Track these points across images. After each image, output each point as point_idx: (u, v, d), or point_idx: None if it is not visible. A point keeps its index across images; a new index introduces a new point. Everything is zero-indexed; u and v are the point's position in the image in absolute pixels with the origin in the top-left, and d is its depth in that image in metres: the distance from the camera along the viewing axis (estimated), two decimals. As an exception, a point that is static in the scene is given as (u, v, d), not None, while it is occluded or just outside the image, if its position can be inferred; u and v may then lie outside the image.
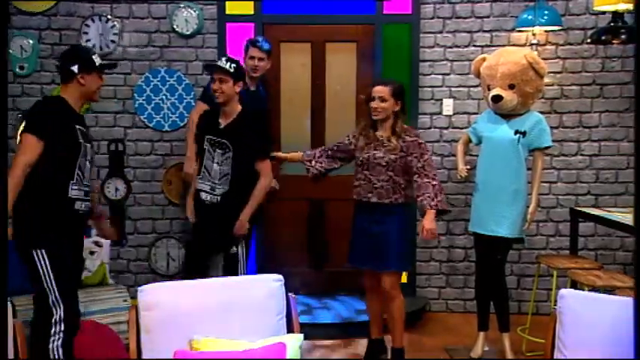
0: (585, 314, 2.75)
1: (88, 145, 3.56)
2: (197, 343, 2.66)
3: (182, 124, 5.42)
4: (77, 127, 3.48)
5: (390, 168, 3.95)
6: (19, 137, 3.85)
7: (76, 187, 3.42)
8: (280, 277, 2.97)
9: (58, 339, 3.35)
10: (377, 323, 4.25)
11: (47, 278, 3.32)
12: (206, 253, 4.26)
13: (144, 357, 2.71)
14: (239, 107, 4.07)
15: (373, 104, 3.96)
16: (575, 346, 2.69)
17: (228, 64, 4.00)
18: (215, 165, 4.02)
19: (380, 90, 3.96)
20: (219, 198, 4.02)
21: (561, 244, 5.23)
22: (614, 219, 4.49)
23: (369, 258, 3.99)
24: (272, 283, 2.93)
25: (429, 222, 3.93)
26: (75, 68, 3.44)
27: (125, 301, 4.64)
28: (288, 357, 2.64)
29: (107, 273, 4.84)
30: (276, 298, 2.90)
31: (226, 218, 4.05)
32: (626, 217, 4.40)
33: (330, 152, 4.28)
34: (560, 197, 5.33)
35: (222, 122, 4.06)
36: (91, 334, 4.02)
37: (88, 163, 3.52)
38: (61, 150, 3.39)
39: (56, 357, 3.32)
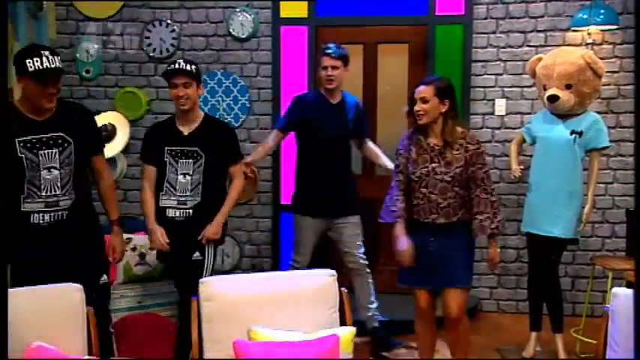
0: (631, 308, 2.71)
1: (48, 151, 3.16)
2: (254, 333, 2.74)
3: (237, 125, 5.51)
4: (21, 139, 3.09)
5: (456, 183, 3.44)
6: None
7: (29, 201, 3.13)
8: (333, 272, 3.01)
9: None
10: (429, 352, 3.79)
11: None
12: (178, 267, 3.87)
13: (205, 345, 2.79)
14: (201, 112, 3.82)
15: (416, 107, 3.47)
16: (628, 345, 2.60)
17: (189, 65, 3.68)
18: (181, 177, 3.68)
19: (421, 90, 3.48)
20: (190, 212, 3.70)
21: (617, 246, 5.15)
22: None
23: (431, 276, 3.52)
24: (326, 277, 2.99)
25: (496, 252, 3.60)
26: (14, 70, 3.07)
27: None
28: (341, 349, 2.70)
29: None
30: (330, 292, 2.96)
31: (202, 231, 3.76)
32: None
33: (403, 191, 3.60)
34: (616, 198, 5.26)
35: (185, 130, 3.72)
36: (152, 326, 4.20)
37: (45, 172, 3.14)
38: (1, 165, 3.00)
39: None
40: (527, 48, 5.24)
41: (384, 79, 5.53)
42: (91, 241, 3.36)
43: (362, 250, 4.44)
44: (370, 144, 4.67)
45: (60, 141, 3.15)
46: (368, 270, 4.45)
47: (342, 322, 2.94)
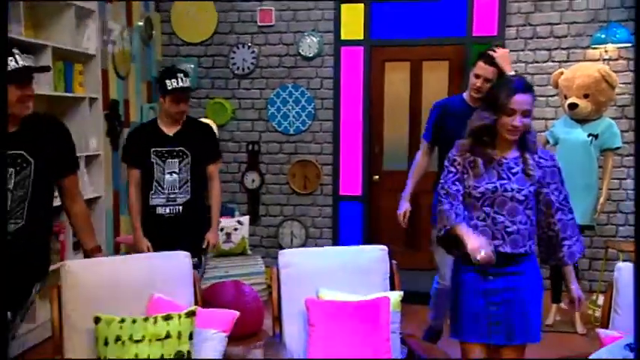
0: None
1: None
2: (323, 294, 2.80)
3: (304, 129, 5.62)
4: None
5: (529, 205, 2.44)
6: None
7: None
8: (385, 247, 3.01)
9: None
10: None
11: None
12: None
13: (282, 302, 2.83)
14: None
15: (513, 122, 2.36)
16: (628, 308, 2.55)
17: (188, 80, 3.36)
18: (168, 175, 3.35)
19: (528, 101, 2.39)
20: (180, 208, 3.37)
21: (630, 233, 5.11)
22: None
23: (493, 326, 2.42)
24: (379, 251, 2.99)
25: (579, 289, 2.60)
26: None
27: (260, 267, 4.93)
28: (391, 308, 2.73)
29: (247, 245, 5.13)
30: (382, 263, 2.96)
31: (194, 226, 3.45)
32: None
33: (460, 201, 2.50)
34: (629, 192, 5.18)
35: (169, 131, 3.38)
36: (235, 291, 4.22)
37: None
38: None
39: None
40: (551, 63, 5.20)
41: (427, 90, 5.48)
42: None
43: None
44: None
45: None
46: None
47: (392, 287, 2.93)
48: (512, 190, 2.41)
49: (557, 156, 4.27)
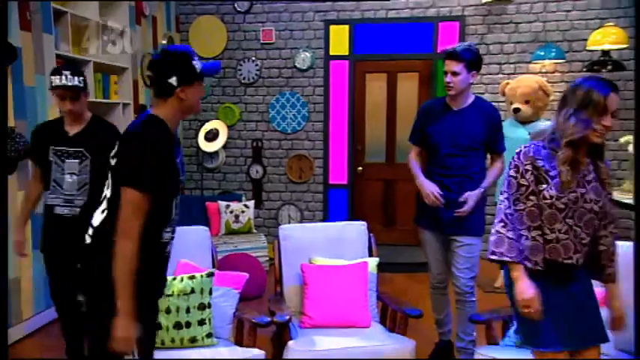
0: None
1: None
2: (315, 260, 2.93)
3: (299, 129, 5.63)
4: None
5: (600, 215, 1.96)
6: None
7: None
8: (365, 223, 3.10)
9: None
10: None
11: None
12: (65, 267, 2.62)
13: (283, 267, 2.91)
14: (89, 114, 2.78)
15: (605, 122, 1.86)
16: (629, 284, 2.11)
17: (78, 79, 2.61)
18: (68, 176, 2.67)
19: (618, 100, 1.89)
20: (78, 210, 2.64)
21: None
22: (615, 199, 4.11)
23: (574, 333, 1.95)
24: (360, 227, 3.09)
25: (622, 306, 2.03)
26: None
27: (263, 242, 4.97)
28: (369, 270, 2.88)
29: (252, 225, 5.21)
30: (363, 236, 3.06)
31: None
32: (623, 198, 4.01)
33: (526, 225, 1.97)
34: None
35: (72, 130, 2.71)
36: (243, 262, 4.32)
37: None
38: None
39: None
40: (501, 75, 5.23)
41: (401, 97, 5.50)
42: None
43: (471, 275, 2.88)
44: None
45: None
46: (473, 299, 2.91)
47: (370, 255, 3.01)
48: (591, 201, 1.91)
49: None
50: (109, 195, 1.86)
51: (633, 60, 5.03)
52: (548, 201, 1.90)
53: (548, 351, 1.94)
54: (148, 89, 5.27)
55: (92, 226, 1.87)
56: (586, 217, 1.93)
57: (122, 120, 4.62)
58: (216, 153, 5.67)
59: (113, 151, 1.86)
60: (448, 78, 2.79)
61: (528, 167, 1.93)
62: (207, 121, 5.64)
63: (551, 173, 1.89)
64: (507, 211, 1.95)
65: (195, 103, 1.92)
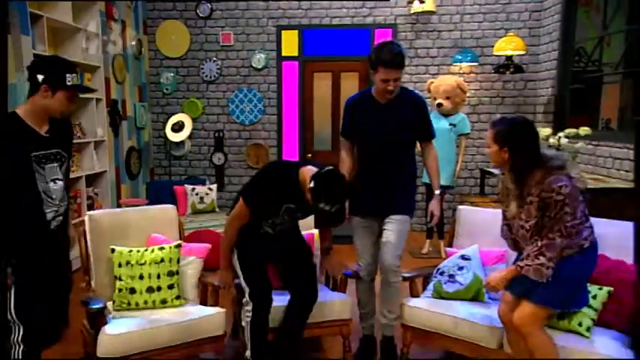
0: (469, 217, 2.79)
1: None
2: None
3: (256, 121, 5.62)
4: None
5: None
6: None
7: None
8: None
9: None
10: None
11: None
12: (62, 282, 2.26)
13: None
14: None
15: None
16: (465, 234, 2.73)
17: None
18: (52, 183, 2.11)
19: (487, 135, 2.05)
20: (61, 217, 2.19)
21: (477, 191, 5.29)
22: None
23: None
24: None
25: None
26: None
27: (225, 220, 4.92)
28: (315, 239, 2.77)
29: (215, 205, 5.10)
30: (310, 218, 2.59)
31: (67, 237, 2.33)
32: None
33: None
34: (477, 162, 5.43)
35: (42, 130, 2.10)
36: (207, 237, 4.10)
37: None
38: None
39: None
40: (427, 75, 5.35)
41: (344, 93, 5.45)
42: None
43: (398, 252, 2.59)
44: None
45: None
46: (398, 278, 2.61)
47: (316, 228, 2.76)
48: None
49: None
50: None
51: (531, 64, 5.33)
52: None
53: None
54: (119, 85, 5.16)
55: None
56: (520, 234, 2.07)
57: (96, 114, 4.55)
58: (182, 142, 5.62)
59: None
60: (391, 86, 2.45)
61: (573, 191, 1.95)
62: (174, 114, 5.58)
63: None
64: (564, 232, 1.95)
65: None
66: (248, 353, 2.41)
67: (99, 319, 2.25)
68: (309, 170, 2.12)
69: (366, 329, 2.78)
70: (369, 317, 2.77)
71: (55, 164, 2.15)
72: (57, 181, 2.16)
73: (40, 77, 2.02)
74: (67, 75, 2.08)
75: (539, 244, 1.95)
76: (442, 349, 2.70)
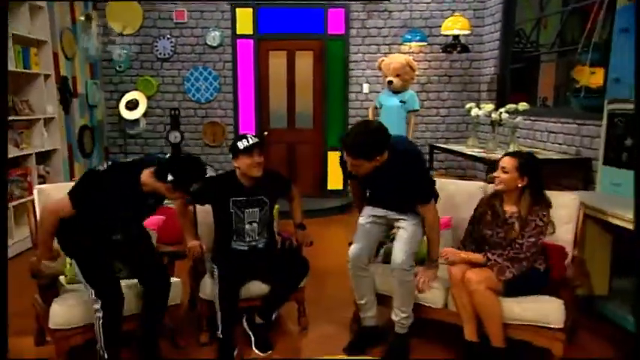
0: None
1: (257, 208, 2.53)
2: None
3: (212, 99, 5.56)
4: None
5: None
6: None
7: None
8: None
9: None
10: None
11: None
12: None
13: (197, 213, 2.77)
14: None
15: (495, 173, 2.29)
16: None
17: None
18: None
19: (505, 161, 2.27)
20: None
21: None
22: (452, 149, 4.59)
23: None
24: None
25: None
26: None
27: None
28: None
29: None
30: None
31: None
32: (459, 147, 4.44)
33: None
34: (426, 139, 5.53)
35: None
36: (164, 212, 4.02)
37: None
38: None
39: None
40: (379, 54, 5.37)
41: (299, 72, 5.54)
42: None
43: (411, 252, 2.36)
44: None
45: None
46: (411, 277, 2.37)
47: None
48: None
49: (381, 115, 4.37)
50: None
51: (476, 44, 5.52)
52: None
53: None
54: (69, 62, 4.96)
55: None
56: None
57: (45, 90, 4.37)
58: (137, 120, 5.48)
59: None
60: (354, 170, 2.27)
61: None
62: (128, 91, 5.43)
63: None
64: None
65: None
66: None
67: (51, 292, 2.22)
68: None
69: (366, 320, 2.54)
70: (368, 309, 2.52)
71: None
72: None
73: (170, 177, 2.01)
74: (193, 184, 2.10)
75: (512, 253, 2.21)
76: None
